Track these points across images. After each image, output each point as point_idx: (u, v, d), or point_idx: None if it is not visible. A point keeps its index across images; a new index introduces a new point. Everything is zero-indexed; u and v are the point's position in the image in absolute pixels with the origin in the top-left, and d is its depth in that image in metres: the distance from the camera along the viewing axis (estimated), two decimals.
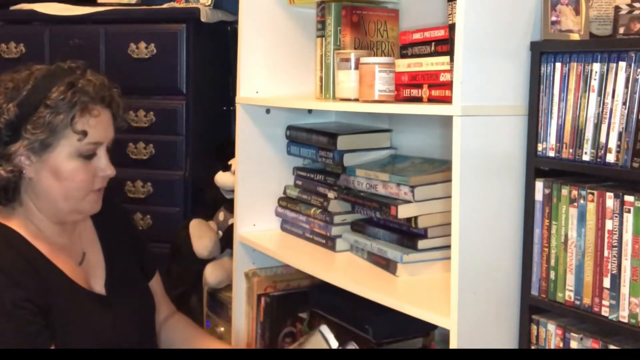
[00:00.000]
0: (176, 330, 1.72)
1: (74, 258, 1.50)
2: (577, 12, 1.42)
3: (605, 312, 1.31)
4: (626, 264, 1.27)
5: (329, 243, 1.91)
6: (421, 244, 1.66)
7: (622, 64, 1.28)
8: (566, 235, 1.37)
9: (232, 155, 2.19)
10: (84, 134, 1.40)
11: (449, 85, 1.49)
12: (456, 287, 1.35)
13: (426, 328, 1.66)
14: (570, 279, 1.36)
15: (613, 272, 1.29)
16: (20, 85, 1.40)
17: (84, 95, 1.40)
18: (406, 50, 1.70)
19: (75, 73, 1.44)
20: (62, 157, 1.41)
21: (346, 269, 1.76)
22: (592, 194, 1.32)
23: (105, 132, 1.45)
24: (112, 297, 1.51)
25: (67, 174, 1.42)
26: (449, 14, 1.45)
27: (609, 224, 1.29)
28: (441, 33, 1.57)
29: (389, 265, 1.69)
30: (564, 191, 1.37)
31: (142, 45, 2.55)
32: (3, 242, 1.39)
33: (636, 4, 1.39)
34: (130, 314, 1.53)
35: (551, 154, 1.39)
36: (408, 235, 1.69)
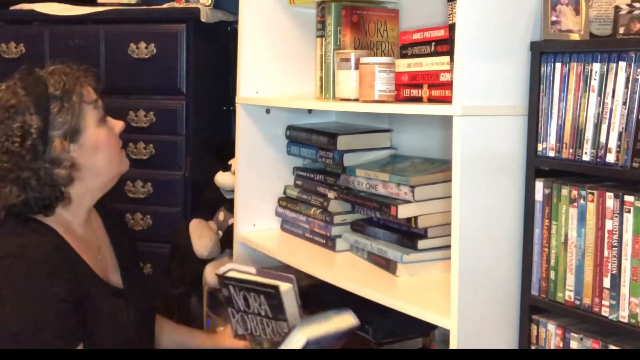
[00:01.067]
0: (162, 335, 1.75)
1: (94, 251, 1.53)
2: (577, 12, 1.43)
3: (605, 312, 1.31)
4: (626, 264, 1.27)
5: (329, 243, 1.91)
6: (421, 244, 1.66)
7: (622, 64, 1.28)
8: (566, 235, 1.37)
9: (232, 155, 2.19)
10: (95, 101, 1.48)
11: (449, 85, 1.49)
12: (456, 287, 1.35)
13: (426, 328, 1.66)
14: (570, 279, 1.36)
15: (613, 272, 1.29)
16: (17, 99, 1.41)
17: (70, 74, 1.46)
18: (406, 50, 1.70)
19: (34, 69, 1.48)
20: (93, 130, 1.46)
21: (346, 269, 1.76)
22: (592, 194, 1.32)
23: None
24: (129, 290, 1.55)
25: (104, 141, 1.48)
26: (449, 14, 1.45)
27: (609, 224, 1.29)
28: (441, 33, 1.57)
29: (389, 265, 1.69)
30: (564, 191, 1.37)
31: (142, 45, 2.55)
32: (42, 237, 1.41)
33: (636, 4, 1.39)
34: (144, 307, 1.56)
35: (551, 154, 1.39)
36: (408, 235, 1.69)
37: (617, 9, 1.41)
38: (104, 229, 1.62)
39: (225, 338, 1.70)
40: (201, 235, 2.38)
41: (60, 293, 1.34)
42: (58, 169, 1.41)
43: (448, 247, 1.40)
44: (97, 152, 1.47)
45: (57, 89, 1.42)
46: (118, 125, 1.55)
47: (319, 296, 1.90)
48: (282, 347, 1.42)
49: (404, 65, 1.64)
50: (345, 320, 1.49)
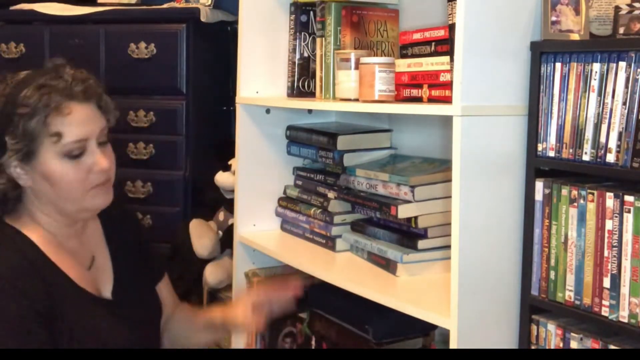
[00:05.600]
0: (179, 323, 1.71)
1: (83, 262, 1.48)
2: (577, 12, 1.43)
3: (605, 312, 1.31)
4: (626, 264, 1.27)
5: (329, 243, 1.91)
6: (421, 244, 1.66)
7: (622, 64, 1.28)
8: (566, 235, 1.37)
9: (232, 155, 2.19)
10: (59, 135, 1.35)
11: (449, 85, 1.49)
12: (456, 287, 1.35)
13: (426, 328, 1.66)
14: (570, 279, 1.36)
15: (613, 272, 1.29)
16: None
17: (53, 94, 1.36)
18: (406, 50, 1.70)
19: (49, 73, 1.40)
20: (48, 160, 1.37)
21: (346, 269, 1.76)
22: (592, 194, 1.32)
23: (86, 127, 1.39)
24: (119, 303, 1.49)
25: (58, 176, 1.38)
26: (449, 14, 1.45)
27: (609, 224, 1.29)
28: (441, 33, 1.57)
29: (389, 265, 1.69)
30: (564, 191, 1.37)
31: (142, 45, 2.55)
32: (12, 249, 1.37)
33: (636, 4, 1.39)
34: (136, 320, 1.50)
35: (551, 154, 1.39)
36: (408, 235, 1.69)
37: (617, 9, 1.41)
38: (103, 237, 1.56)
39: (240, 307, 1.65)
40: (201, 235, 2.38)
41: (22, 310, 1.29)
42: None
43: (448, 247, 1.40)
44: (48, 184, 1.38)
45: (24, 103, 1.34)
46: (99, 164, 1.40)
47: (319, 296, 1.90)
48: None
49: (404, 65, 1.64)
50: None
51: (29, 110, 1.34)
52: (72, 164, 1.38)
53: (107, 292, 1.50)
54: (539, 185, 1.42)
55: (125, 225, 1.63)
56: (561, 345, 1.38)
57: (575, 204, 1.35)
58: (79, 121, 1.38)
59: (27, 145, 1.36)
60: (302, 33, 1.99)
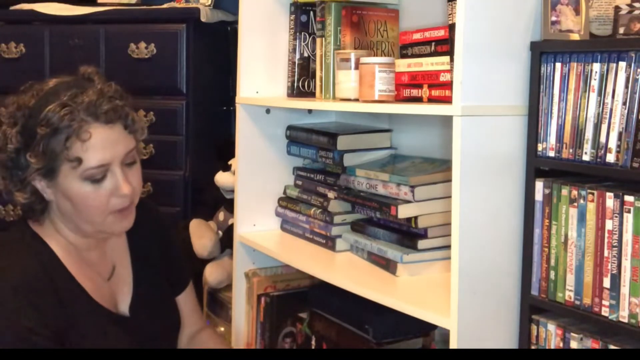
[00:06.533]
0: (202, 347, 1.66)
1: (103, 273, 1.46)
2: (577, 12, 1.43)
3: (605, 312, 1.31)
4: (626, 264, 1.27)
5: (329, 243, 1.91)
6: (421, 244, 1.66)
7: (622, 64, 1.28)
8: (566, 235, 1.37)
9: (232, 155, 2.19)
10: (79, 160, 1.31)
11: (449, 85, 1.49)
12: (456, 287, 1.35)
13: (426, 328, 1.66)
14: (570, 279, 1.36)
15: (613, 272, 1.29)
16: (21, 107, 1.35)
17: (76, 113, 1.30)
18: (406, 50, 1.70)
19: (76, 87, 1.35)
20: (69, 182, 1.33)
21: (346, 269, 1.76)
22: (592, 194, 1.32)
23: (109, 151, 1.34)
24: (135, 318, 1.47)
25: (78, 198, 1.34)
26: (449, 14, 1.45)
27: (609, 224, 1.29)
28: (441, 33, 1.57)
29: (389, 265, 1.69)
30: (564, 191, 1.37)
31: (142, 45, 2.55)
32: (30, 256, 1.36)
33: (636, 4, 1.39)
34: (150, 337, 1.48)
35: (551, 154, 1.39)
36: (408, 235, 1.69)
37: (617, 9, 1.41)
38: (127, 244, 1.53)
39: None
40: (201, 236, 2.38)
41: (31, 323, 1.27)
42: (20, 192, 1.36)
43: (448, 247, 1.40)
44: (69, 202, 1.35)
45: (48, 120, 1.29)
46: (121, 189, 1.36)
47: (319, 296, 1.91)
48: None
49: (404, 65, 1.64)
50: None
51: (50, 131, 1.30)
52: (93, 187, 1.34)
53: (124, 305, 1.48)
54: (539, 185, 1.42)
55: (152, 234, 1.60)
56: (561, 345, 1.38)
57: (575, 204, 1.35)
58: (101, 145, 1.33)
59: (48, 164, 1.32)
60: (302, 33, 2.00)
